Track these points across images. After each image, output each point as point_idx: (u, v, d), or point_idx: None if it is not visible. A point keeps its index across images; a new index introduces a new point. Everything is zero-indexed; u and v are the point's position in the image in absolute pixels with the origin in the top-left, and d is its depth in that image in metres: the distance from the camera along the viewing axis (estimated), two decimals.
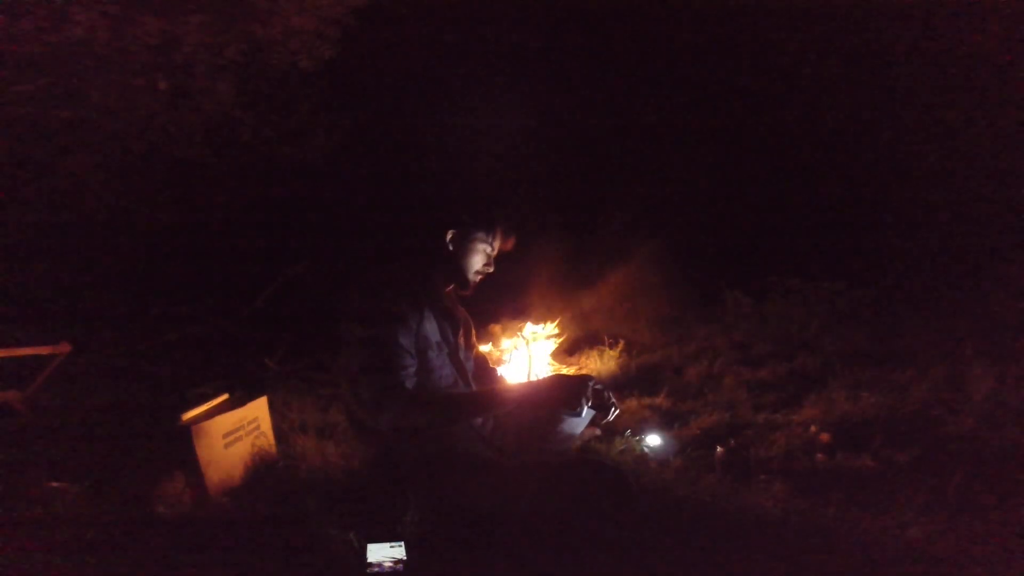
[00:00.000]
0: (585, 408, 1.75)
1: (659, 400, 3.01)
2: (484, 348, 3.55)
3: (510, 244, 2.03)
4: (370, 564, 1.61)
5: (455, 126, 5.55)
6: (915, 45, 4.82)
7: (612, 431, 2.51)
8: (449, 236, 1.91)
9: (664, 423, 2.67)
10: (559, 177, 6.18)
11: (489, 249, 1.96)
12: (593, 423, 2.18)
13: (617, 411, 2.05)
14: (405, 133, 5.74)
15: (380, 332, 1.75)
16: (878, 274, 4.84)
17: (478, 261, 1.95)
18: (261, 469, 2.32)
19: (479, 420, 2.01)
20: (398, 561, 1.62)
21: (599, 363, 3.70)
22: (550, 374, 3.12)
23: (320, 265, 5.06)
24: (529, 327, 3.72)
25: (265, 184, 5.28)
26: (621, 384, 3.35)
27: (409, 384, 1.75)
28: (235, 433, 2.32)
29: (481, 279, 2.01)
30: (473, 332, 2.19)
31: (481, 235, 1.93)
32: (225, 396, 2.46)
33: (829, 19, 5.05)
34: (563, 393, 1.77)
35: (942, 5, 4.49)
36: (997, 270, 4.53)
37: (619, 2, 5.75)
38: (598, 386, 2.29)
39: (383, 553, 1.63)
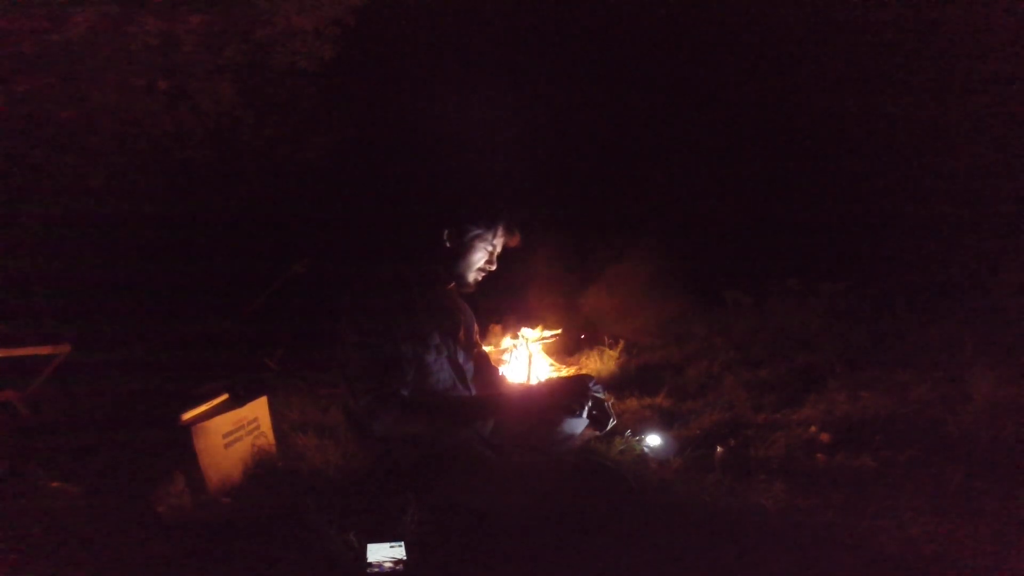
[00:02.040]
0: (586, 410, 1.76)
1: (659, 400, 3.01)
2: (485, 348, 3.55)
3: (515, 241, 2.01)
4: (370, 564, 1.61)
5: (455, 126, 5.55)
6: (915, 46, 4.82)
7: (612, 431, 2.51)
8: (446, 234, 1.90)
9: (664, 423, 2.67)
10: (560, 177, 6.18)
11: (490, 247, 1.95)
12: (592, 427, 2.18)
13: (615, 421, 2.06)
14: (405, 133, 5.74)
15: (376, 339, 1.74)
16: (878, 274, 4.84)
17: (479, 259, 1.94)
18: (261, 469, 2.32)
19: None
20: (398, 561, 1.62)
21: (599, 363, 3.70)
22: (549, 378, 3.12)
23: (320, 265, 5.06)
24: (529, 328, 3.72)
25: (265, 184, 5.29)
26: (621, 384, 3.35)
27: (405, 392, 1.75)
28: (235, 433, 2.32)
29: (483, 277, 2.00)
30: (476, 330, 2.19)
31: (480, 232, 1.92)
32: (225, 396, 2.46)
33: (831, 19, 5.05)
34: (564, 399, 1.77)
35: (944, 5, 4.49)
36: (997, 270, 4.53)
37: (622, 1, 5.75)
38: (598, 394, 2.30)
39: (383, 553, 1.62)
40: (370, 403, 1.72)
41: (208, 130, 4.57)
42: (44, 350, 3.15)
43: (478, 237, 1.91)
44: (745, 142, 6.05)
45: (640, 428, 2.56)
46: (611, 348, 3.79)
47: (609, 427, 2.07)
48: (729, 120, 6.02)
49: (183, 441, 2.12)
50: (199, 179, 4.95)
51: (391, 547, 1.63)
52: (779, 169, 5.99)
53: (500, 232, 1.95)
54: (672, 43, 5.78)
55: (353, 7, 4.19)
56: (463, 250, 1.92)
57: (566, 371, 3.55)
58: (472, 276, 1.96)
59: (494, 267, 1.98)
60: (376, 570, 1.61)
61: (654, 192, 6.09)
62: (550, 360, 3.61)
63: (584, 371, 3.60)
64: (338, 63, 4.56)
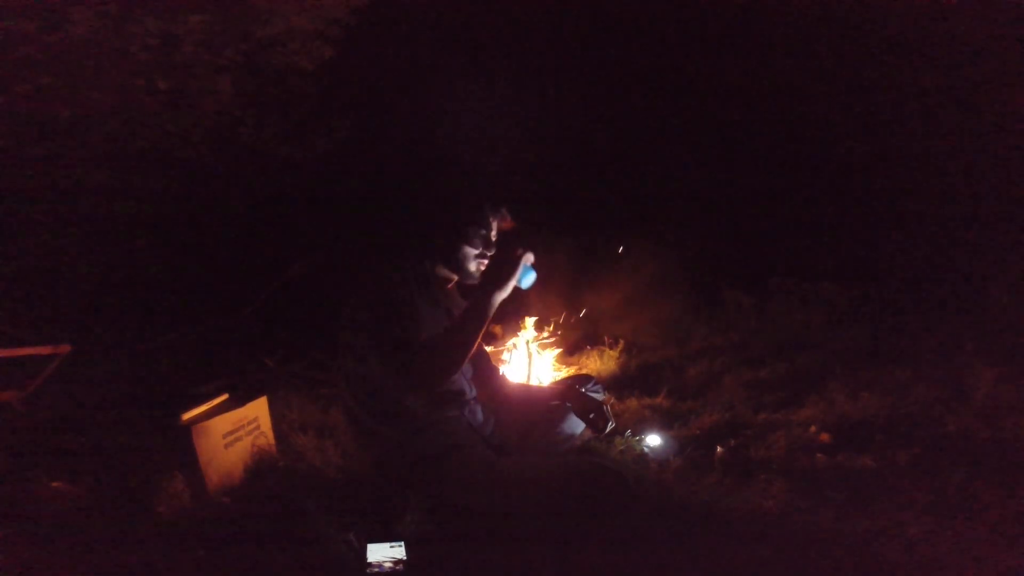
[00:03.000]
0: (526, 269, 1.81)
1: (659, 400, 3.01)
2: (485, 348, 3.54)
3: (507, 222, 1.99)
4: (370, 564, 1.61)
5: (455, 126, 5.55)
6: (917, 46, 4.82)
7: (612, 431, 2.51)
8: (435, 231, 1.92)
9: (664, 423, 2.67)
10: (560, 177, 6.18)
11: (483, 231, 1.94)
12: (591, 430, 2.18)
13: (613, 424, 2.06)
14: (405, 133, 5.74)
15: (390, 312, 1.76)
16: (878, 274, 4.84)
17: (474, 248, 1.94)
18: (261, 469, 2.32)
19: (480, 417, 2.01)
20: (398, 561, 1.62)
21: (599, 363, 3.70)
22: (557, 381, 3.12)
23: (319, 265, 5.06)
24: (529, 328, 3.72)
25: (265, 184, 5.29)
26: (621, 384, 3.35)
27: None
28: (235, 433, 2.32)
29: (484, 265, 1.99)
30: None
31: (465, 223, 1.91)
32: (225, 396, 2.46)
33: (832, 18, 5.05)
34: (502, 262, 1.80)
35: (945, 6, 4.49)
36: (997, 270, 4.53)
37: (624, 3, 5.75)
38: (597, 395, 2.30)
39: (383, 553, 1.63)
40: (403, 374, 1.71)
41: (208, 130, 4.57)
42: (44, 350, 3.15)
43: (466, 227, 1.91)
44: (746, 142, 6.05)
45: (640, 428, 2.56)
46: (611, 348, 3.79)
47: (608, 430, 2.07)
48: (730, 119, 6.02)
49: (183, 441, 2.12)
50: (199, 179, 4.94)
51: (391, 547, 1.63)
52: (779, 169, 5.99)
53: (486, 216, 1.93)
54: (673, 41, 5.78)
55: (353, 7, 4.19)
56: (456, 242, 1.92)
57: (566, 371, 3.55)
58: (473, 265, 1.95)
59: (492, 252, 1.97)
60: (376, 570, 1.61)
61: (654, 191, 6.09)
62: (550, 360, 3.61)
63: (584, 371, 3.60)
64: (338, 63, 4.56)
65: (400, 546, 1.63)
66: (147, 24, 3.52)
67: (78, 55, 3.55)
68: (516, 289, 1.85)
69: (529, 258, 1.83)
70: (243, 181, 5.15)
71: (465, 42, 5.64)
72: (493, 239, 1.96)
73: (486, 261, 1.95)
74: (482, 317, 1.77)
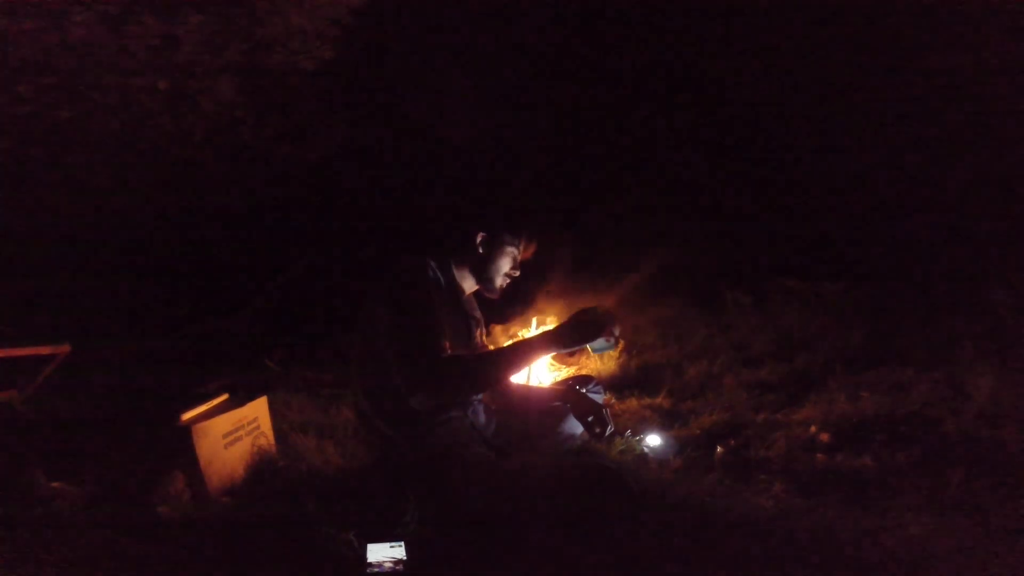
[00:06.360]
0: (613, 338, 1.76)
1: (659, 400, 3.01)
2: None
3: (531, 252, 2.05)
4: (370, 564, 1.61)
5: (455, 126, 5.55)
6: (915, 47, 4.82)
7: (611, 434, 2.51)
8: (480, 239, 1.94)
9: (664, 423, 2.67)
10: (560, 177, 6.18)
11: (516, 253, 1.99)
12: (589, 434, 2.18)
13: (612, 428, 2.06)
14: (405, 133, 5.74)
15: (415, 317, 1.75)
16: (878, 274, 4.84)
17: (506, 264, 1.99)
18: (261, 469, 2.32)
19: (482, 418, 2.01)
20: (398, 561, 1.62)
21: (599, 363, 3.70)
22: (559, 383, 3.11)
23: (320, 265, 5.06)
24: (531, 327, 3.72)
25: (265, 184, 5.29)
26: (621, 384, 3.35)
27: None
28: (235, 433, 2.32)
29: (508, 283, 2.03)
30: (483, 333, 2.20)
31: (510, 238, 1.97)
32: (225, 396, 2.46)
33: (830, 20, 5.05)
34: (590, 328, 1.75)
35: (944, 8, 4.49)
36: (997, 270, 4.53)
37: (622, 1, 5.75)
38: (597, 395, 2.30)
39: (383, 553, 1.62)
40: (418, 375, 1.70)
41: (208, 130, 4.57)
42: (44, 350, 3.15)
43: (507, 243, 1.96)
44: (746, 142, 6.05)
45: (640, 428, 2.56)
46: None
47: (606, 435, 2.07)
48: (729, 119, 6.02)
49: (183, 441, 2.12)
50: (199, 179, 4.95)
51: (391, 547, 1.63)
52: (780, 168, 5.99)
53: (525, 240, 2.00)
54: (673, 42, 5.78)
55: (353, 7, 4.19)
56: (493, 255, 1.95)
57: (566, 371, 3.55)
58: (500, 281, 2.00)
59: (518, 273, 2.02)
60: (376, 570, 1.61)
61: (654, 192, 6.09)
62: (550, 360, 3.61)
63: (584, 371, 3.60)
64: (338, 63, 4.56)
65: (400, 546, 1.63)
66: (147, 24, 3.52)
67: (78, 55, 3.55)
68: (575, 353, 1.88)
69: (616, 331, 1.78)
70: (243, 181, 5.15)
71: (465, 41, 5.63)
72: (520, 259, 2.02)
73: (509, 280, 2.00)
74: (526, 360, 1.75)
